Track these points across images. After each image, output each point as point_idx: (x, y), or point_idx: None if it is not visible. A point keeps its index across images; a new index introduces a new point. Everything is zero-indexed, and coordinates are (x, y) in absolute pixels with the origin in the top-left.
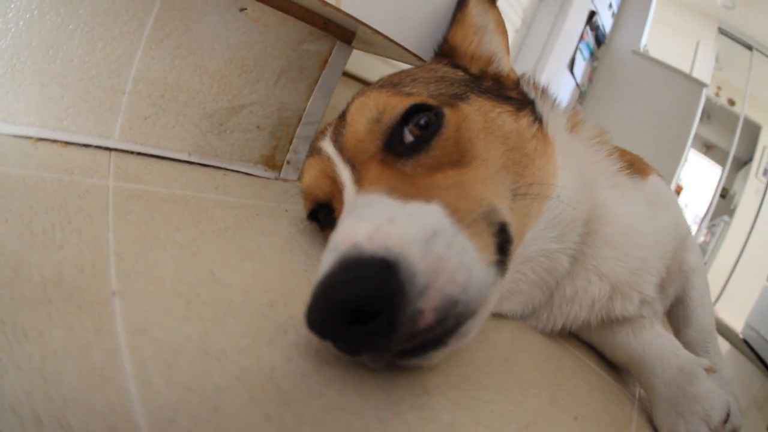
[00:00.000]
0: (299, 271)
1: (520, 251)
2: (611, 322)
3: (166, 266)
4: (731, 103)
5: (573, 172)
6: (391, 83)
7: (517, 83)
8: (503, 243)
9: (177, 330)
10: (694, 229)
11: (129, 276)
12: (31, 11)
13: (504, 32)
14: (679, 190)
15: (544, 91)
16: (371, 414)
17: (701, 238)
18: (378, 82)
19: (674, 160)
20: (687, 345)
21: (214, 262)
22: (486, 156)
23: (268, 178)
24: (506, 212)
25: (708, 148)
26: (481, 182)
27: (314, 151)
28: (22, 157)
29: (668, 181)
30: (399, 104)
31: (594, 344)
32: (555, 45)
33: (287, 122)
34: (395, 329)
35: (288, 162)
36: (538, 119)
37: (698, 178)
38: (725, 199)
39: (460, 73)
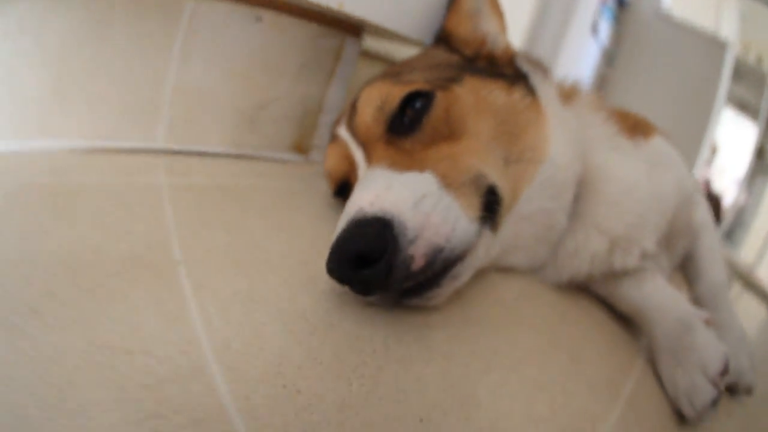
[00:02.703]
0: (326, 238)
1: (517, 210)
2: (615, 275)
3: (217, 240)
4: (760, 60)
5: (565, 138)
6: (393, 73)
7: (511, 60)
8: (491, 203)
9: (229, 284)
10: (732, 190)
11: (189, 249)
12: (69, 46)
13: (499, 13)
14: (714, 151)
15: (538, 65)
16: (380, 341)
17: (741, 199)
18: (382, 72)
19: (702, 120)
20: (698, 300)
21: (255, 235)
22: (476, 130)
23: (298, 162)
24: (496, 177)
25: (743, 107)
26: (471, 153)
27: (333, 136)
28: (83, 167)
29: (697, 143)
30: (398, 92)
31: (603, 297)
32: (577, 9)
33: (311, 111)
34: (392, 271)
35: (315, 146)
36: (531, 92)
37: (734, 138)
38: (763, 159)
39: (455, 57)
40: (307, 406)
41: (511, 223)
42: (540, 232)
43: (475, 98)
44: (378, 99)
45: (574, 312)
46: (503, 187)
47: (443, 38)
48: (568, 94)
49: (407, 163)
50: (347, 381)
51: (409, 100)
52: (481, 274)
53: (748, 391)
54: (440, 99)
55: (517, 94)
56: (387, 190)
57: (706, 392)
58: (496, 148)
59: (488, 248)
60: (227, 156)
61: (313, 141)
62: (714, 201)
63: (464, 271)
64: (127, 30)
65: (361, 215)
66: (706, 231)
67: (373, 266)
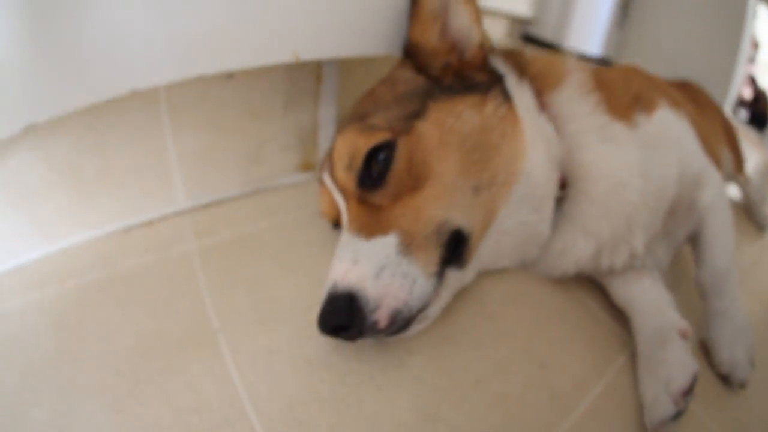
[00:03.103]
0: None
1: (495, 228)
2: (605, 273)
3: (241, 301)
4: None
5: (542, 149)
6: (360, 115)
7: (485, 61)
8: (457, 243)
9: (254, 341)
10: None
11: (222, 316)
12: (74, 159)
13: (470, 1)
14: (756, 47)
15: (515, 56)
16: (366, 373)
17: None
18: (351, 111)
19: (739, 16)
20: (700, 286)
21: (270, 286)
22: (440, 171)
23: (308, 181)
24: (462, 214)
25: None
26: (434, 200)
27: (320, 181)
28: (124, 251)
29: (736, 39)
30: (363, 146)
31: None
32: None
33: (308, 133)
34: (362, 334)
35: (321, 159)
36: (507, 97)
37: None
38: None
39: (420, 81)
40: (309, 427)
41: (491, 239)
42: (523, 240)
43: (439, 132)
44: (346, 156)
45: (561, 310)
46: (473, 220)
47: (410, 51)
48: (557, 77)
49: (374, 224)
50: (338, 410)
51: (374, 153)
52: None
53: (742, 385)
54: (401, 149)
55: (491, 105)
56: (354, 264)
57: (665, 409)
58: (463, 182)
59: (459, 281)
60: (241, 196)
61: (317, 156)
62: (761, 97)
63: (429, 315)
64: (122, 129)
65: (334, 291)
66: (715, 214)
67: (347, 332)
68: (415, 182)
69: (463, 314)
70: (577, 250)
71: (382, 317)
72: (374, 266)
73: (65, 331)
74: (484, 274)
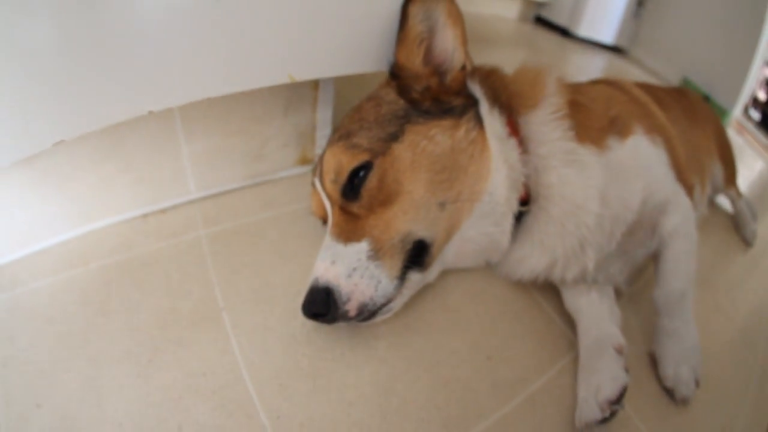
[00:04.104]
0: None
1: (458, 235)
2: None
3: (242, 284)
4: None
5: (506, 172)
6: (347, 132)
7: (463, 85)
8: (419, 251)
9: (252, 319)
10: None
11: (226, 296)
12: (96, 157)
13: (456, 22)
14: None
15: (492, 79)
16: (338, 351)
17: None
18: (340, 125)
19: (760, 13)
20: (655, 304)
21: (268, 272)
22: (410, 188)
23: (305, 174)
24: (427, 226)
25: None
26: (402, 214)
27: (312, 183)
28: (141, 236)
29: (751, 41)
30: (347, 165)
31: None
32: None
33: (306, 132)
34: (336, 320)
35: (317, 155)
36: (479, 120)
37: None
38: None
39: (401, 104)
40: (288, 395)
41: (453, 245)
42: (484, 247)
43: (412, 154)
44: (332, 171)
45: (516, 309)
46: (436, 231)
47: (396, 72)
48: (533, 100)
49: (351, 231)
50: (314, 379)
51: (355, 172)
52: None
53: (684, 402)
54: (377, 169)
55: (463, 129)
56: (332, 264)
57: (592, 412)
58: (430, 198)
59: (421, 281)
60: (245, 187)
61: (314, 152)
62: None
63: (392, 308)
64: (139, 132)
65: (315, 285)
66: (677, 240)
67: (324, 318)
68: (388, 197)
69: (425, 307)
70: (532, 261)
71: (351, 308)
72: (347, 267)
73: (91, 307)
74: (450, 273)
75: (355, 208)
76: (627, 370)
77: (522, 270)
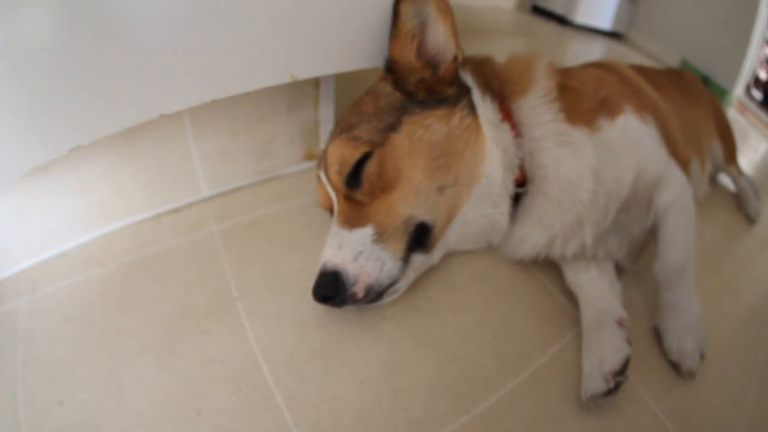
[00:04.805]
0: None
1: (459, 219)
2: (558, 259)
3: (255, 274)
4: None
5: (501, 155)
6: (347, 125)
7: (455, 75)
8: (421, 234)
9: (265, 306)
10: None
11: (240, 287)
12: (112, 160)
13: (446, 16)
14: None
15: (484, 68)
16: (348, 332)
17: None
18: (341, 119)
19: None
20: (655, 278)
21: (278, 262)
22: (409, 175)
23: (311, 168)
24: (428, 209)
25: None
26: (403, 199)
27: (318, 177)
28: (156, 235)
29: (748, 22)
30: (350, 157)
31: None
32: None
33: (310, 129)
34: (345, 302)
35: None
36: (473, 108)
37: None
38: None
39: (397, 96)
40: (302, 377)
41: (455, 228)
42: (485, 229)
43: (410, 143)
44: (336, 163)
45: (520, 288)
46: (436, 215)
47: (390, 67)
48: (524, 86)
49: (356, 218)
50: (326, 360)
51: (358, 162)
52: (439, 262)
53: (690, 374)
54: (375, 159)
55: (457, 117)
56: (339, 250)
57: (596, 385)
58: (429, 183)
59: (425, 263)
60: (254, 184)
61: (319, 147)
62: None
63: (398, 289)
64: (151, 135)
65: (323, 270)
66: (673, 214)
67: (333, 301)
68: (389, 184)
69: (431, 288)
70: (533, 239)
71: (359, 290)
72: (353, 251)
73: (109, 304)
74: (454, 255)
75: (358, 196)
76: (630, 342)
77: (523, 249)
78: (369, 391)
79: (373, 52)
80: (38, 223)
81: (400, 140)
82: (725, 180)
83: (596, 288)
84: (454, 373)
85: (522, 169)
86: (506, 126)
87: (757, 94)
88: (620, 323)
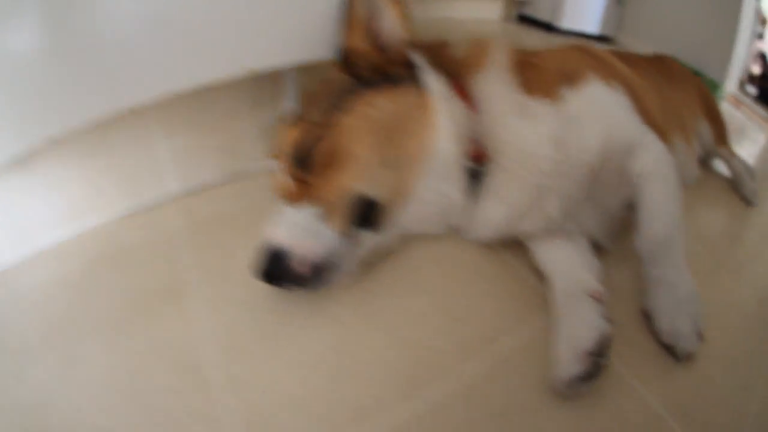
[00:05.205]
0: None
1: (412, 197)
2: (525, 238)
3: (215, 264)
4: None
5: (453, 129)
6: (301, 114)
7: (404, 56)
8: (367, 212)
9: (220, 293)
10: None
11: (200, 275)
12: (85, 160)
13: (395, 3)
14: (764, 23)
15: (433, 49)
16: (299, 317)
17: None
18: (298, 108)
19: None
20: (638, 253)
21: (239, 253)
22: (357, 153)
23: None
24: (376, 187)
25: None
26: (349, 177)
27: (273, 166)
28: (124, 229)
29: (734, 18)
30: (300, 139)
31: None
32: None
33: (275, 126)
34: (291, 281)
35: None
36: (422, 85)
37: None
38: None
39: (347, 80)
40: (245, 360)
41: (409, 208)
42: (442, 209)
43: (358, 122)
44: (290, 147)
45: (486, 270)
46: (385, 190)
47: (343, 55)
48: (478, 63)
49: (305, 197)
50: (274, 342)
51: (308, 144)
52: (399, 246)
53: (687, 357)
54: (326, 140)
55: (407, 94)
56: (282, 227)
57: (570, 367)
58: (376, 160)
59: (375, 243)
60: (221, 181)
61: None
62: None
63: (345, 268)
64: (122, 133)
65: (265, 246)
66: (651, 181)
67: (279, 280)
68: (337, 163)
69: (388, 272)
70: (495, 217)
71: (300, 266)
72: (297, 228)
73: (71, 291)
74: (417, 239)
75: (310, 178)
76: (609, 320)
77: (488, 229)
78: (313, 375)
79: (328, 43)
80: (6, 222)
81: (349, 120)
82: (720, 167)
83: (567, 263)
84: (406, 357)
85: (481, 146)
86: (459, 101)
87: (752, 90)
88: (596, 297)
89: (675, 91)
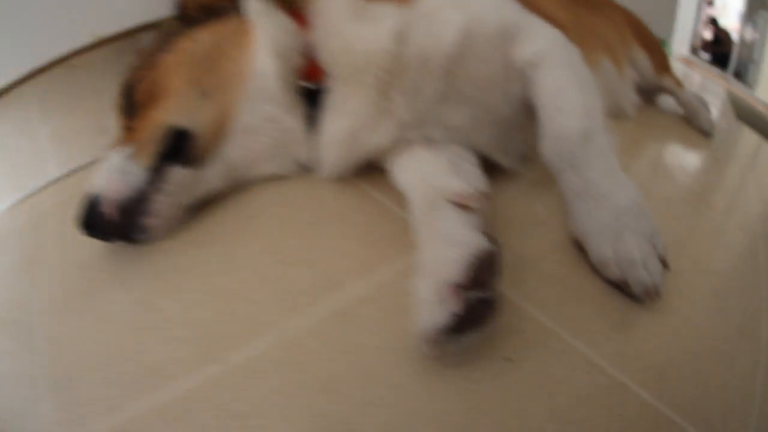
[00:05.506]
0: None
1: (236, 129)
2: (383, 157)
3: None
4: None
5: (276, 45)
6: (136, 63)
7: None
8: (180, 144)
9: (65, 254)
10: (735, 28)
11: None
12: None
13: None
14: None
15: None
16: (112, 270)
17: (747, 35)
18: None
19: None
20: (548, 164)
21: None
22: (172, 86)
23: None
24: (187, 118)
25: None
26: (162, 110)
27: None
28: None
29: None
30: (126, 86)
31: None
32: None
33: None
34: (100, 226)
35: None
36: (244, 11)
37: None
38: None
39: (176, 23)
40: (65, 318)
41: (237, 140)
42: (278, 139)
43: (176, 58)
44: (119, 96)
45: (339, 209)
46: (201, 120)
47: (176, 6)
48: None
49: (125, 141)
50: (87, 299)
51: (130, 90)
52: (233, 193)
53: (649, 294)
54: (145, 81)
55: (227, 22)
56: (95, 172)
57: (432, 313)
58: (191, 88)
59: (194, 179)
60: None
61: None
62: (723, 38)
63: (157, 211)
64: (6, 125)
65: (83, 196)
66: (547, 68)
67: (101, 232)
68: (154, 101)
69: (218, 217)
70: (337, 133)
71: (108, 210)
72: (109, 171)
73: None
74: (264, 182)
75: (134, 122)
76: (489, 234)
77: (333, 151)
78: (114, 330)
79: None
80: None
81: (168, 58)
82: (671, 104)
83: (424, 171)
84: (215, 309)
85: (316, 62)
86: (283, 18)
87: (705, 56)
88: (460, 204)
89: (597, 16)
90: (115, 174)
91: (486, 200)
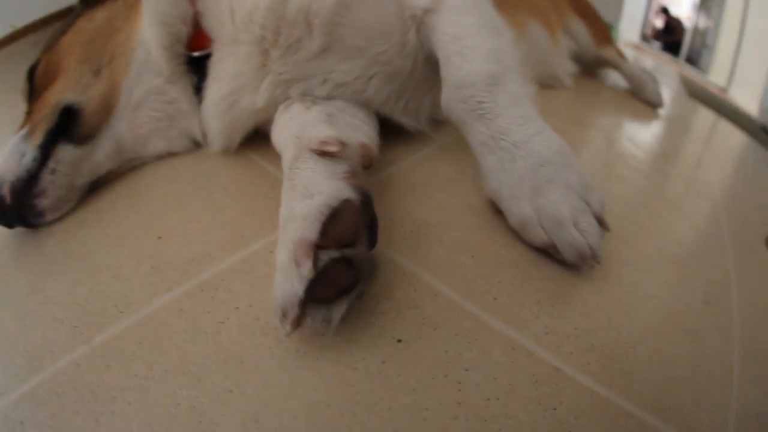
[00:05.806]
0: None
1: (125, 104)
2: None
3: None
4: None
5: (158, 14)
6: (46, 46)
7: None
8: (68, 121)
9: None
10: (689, 17)
11: None
12: None
13: None
14: None
15: None
16: (9, 253)
17: (701, 22)
18: None
19: None
20: (450, 117)
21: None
22: (65, 66)
23: None
24: (76, 94)
25: None
26: (55, 90)
27: None
28: None
29: None
30: (29, 69)
31: None
32: None
33: None
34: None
35: None
36: None
37: None
38: None
39: (77, 8)
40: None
41: (123, 117)
42: (164, 110)
43: (71, 39)
44: (23, 81)
45: (225, 180)
46: (89, 96)
47: None
48: None
49: (25, 123)
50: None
51: (31, 74)
52: (127, 174)
53: (583, 258)
54: (42, 64)
55: (115, 3)
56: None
57: (288, 282)
58: (83, 67)
59: (82, 158)
60: None
61: None
62: (675, 26)
63: (46, 190)
64: None
65: None
66: (447, 14)
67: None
68: (51, 82)
69: (106, 198)
70: (216, 96)
71: (5, 192)
72: (5, 153)
73: None
74: (159, 161)
75: (35, 105)
76: (356, 183)
77: (215, 117)
78: (4, 316)
79: None
80: None
81: (65, 39)
82: (616, 79)
83: (300, 125)
84: (89, 291)
85: (202, 30)
86: None
87: (656, 44)
88: (320, 152)
89: None
90: (9, 155)
91: (346, 147)
